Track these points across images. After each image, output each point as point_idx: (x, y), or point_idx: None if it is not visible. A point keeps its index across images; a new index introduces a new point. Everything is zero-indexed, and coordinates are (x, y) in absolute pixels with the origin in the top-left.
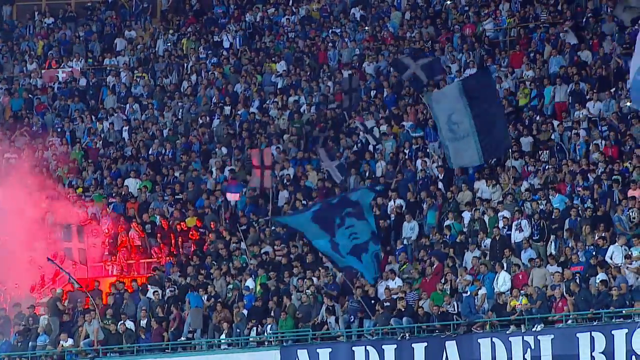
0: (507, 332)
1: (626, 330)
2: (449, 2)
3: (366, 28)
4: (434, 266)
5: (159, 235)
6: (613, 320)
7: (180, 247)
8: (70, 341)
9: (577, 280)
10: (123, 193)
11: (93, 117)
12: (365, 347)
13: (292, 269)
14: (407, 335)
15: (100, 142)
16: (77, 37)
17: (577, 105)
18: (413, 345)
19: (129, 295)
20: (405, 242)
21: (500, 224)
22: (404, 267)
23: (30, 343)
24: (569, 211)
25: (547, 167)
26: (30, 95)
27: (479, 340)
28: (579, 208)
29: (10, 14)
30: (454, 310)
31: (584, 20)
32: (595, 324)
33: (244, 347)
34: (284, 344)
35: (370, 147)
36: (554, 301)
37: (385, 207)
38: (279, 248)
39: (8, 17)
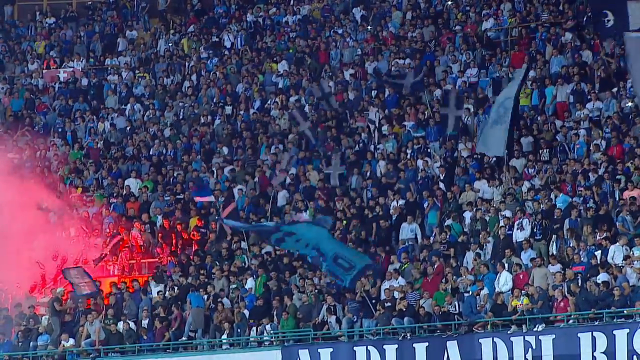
0: (509, 332)
1: (627, 330)
2: (450, 2)
3: (368, 27)
4: (435, 266)
5: (160, 235)
6: (614, 320)
7: (181, 247)
8: (71, 341)
9: (579, 280)
10: (124, 193)
11: (94, 117)
12: (367, 347)
13: (293, 269)
14: (408, 335)
15: (102, 142)
16: (78, 37)
17: (578, 105)
18: (414, 345)
19: (130, 295)
20: (405, 243)
21: (501, 224)
22: (405, 267)
23: (31, 343)
24: (570, 211)
25: (548, 167)
26: (31, 96)
27: (480, 340)
28: (581, 208)
29: (11, 13)
30: (456, 310)
31: (585, 20)
32: (596, 323)
33: (245, 347)
34: (285, 343)
35: (371, 147)
36: (556, 301)
37: (387, 207)
38: (279, 248)
39: (9, 17)
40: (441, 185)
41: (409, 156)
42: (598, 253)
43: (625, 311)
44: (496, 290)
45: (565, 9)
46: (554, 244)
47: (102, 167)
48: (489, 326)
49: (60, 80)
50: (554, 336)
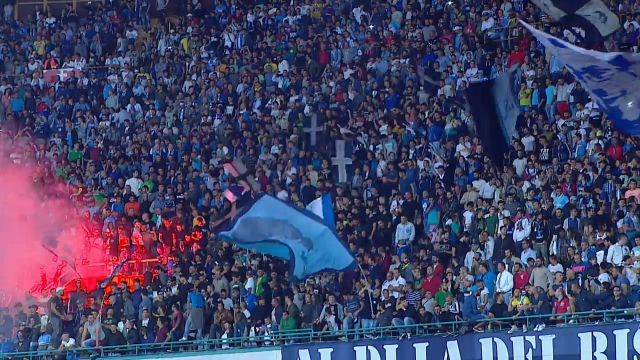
0: (509, 332)
1: (628, 330)
2: (450, 2)
3: (371, 26)
4: (434, 266)
5: (160, 235)
6: (615, 320)
7: (181, 247)
8: (71, 341)
9: (579, 280)
10: (125, 193)
11: (95, 117)
12: (367, 347)
13: None
14: (408, 335)
15: (102, 141)
16: (78, 37)
17: (578, 105)
18: (414, 345)
19: (129, 295)
20: (404, 243)
21: (501, 224)
22: (404, 267)
23: (31, 343)
24: (569, 211)
25: (548, 167)
26: (31, 96)
27: (481, 340)
28: (581, 208)
29: (11, 13)
30: (456, 310)
31: None
32: (596, 323)
33: (245, 347)
34: (286, 343)
35: (371, 147)
36: (556, 301)
37: (387, 207)
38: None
39: (9, 17)
40: (441, 185)
41: (410, 156)
42: (599, 253)
43: (625, 311)
44: (497, 290)
45: None
46: (554, 244)
47: (102, 167)
48: (489, 326)
49: (60, 80)
50: (554, 336)
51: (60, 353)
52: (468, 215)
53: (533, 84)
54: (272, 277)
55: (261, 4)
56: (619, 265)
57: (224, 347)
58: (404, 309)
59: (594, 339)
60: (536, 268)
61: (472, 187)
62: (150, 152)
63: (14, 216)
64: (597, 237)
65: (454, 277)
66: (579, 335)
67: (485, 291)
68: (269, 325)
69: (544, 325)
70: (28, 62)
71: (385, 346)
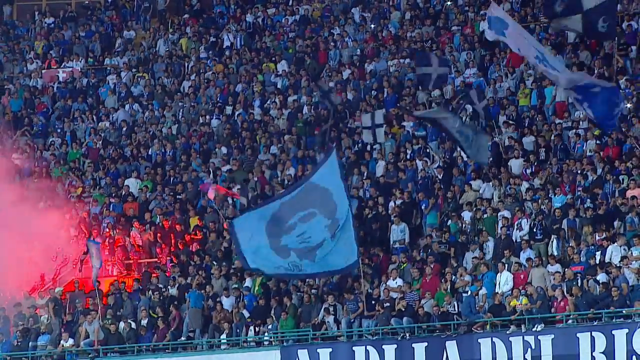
0: (508, 332)
1: (627, 330)
2: (449, 3)
3: (372, 25)
4: (432, 266)
5: (159, 235)
6: (613, 320)
7: (180, 246)
8: (70, 341)
9: (578, 280)
10: (123, 193)
11: (94, 117)
12: (366, 347)
13: None
14: (407, 335)
15: (101, 142)
16: (77, 37)
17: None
18: (413, 345)
19: (128, 295)
20: (397, 244)
21: (500, 224)
22: (403, 267)
23: (30, 343)
24: (569, 211)
25: (546, 167)
26: (30, 96)
27: (480, 340)
28: (579, 208)
29: (10, 13)
30: (455, 310)
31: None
32: (595, 324)
33: (244, 347)
34: (284, 343)
35: (369, 147)
36: (555, 301)
37: (386, 207)
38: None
39: (8, 17)
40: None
41: (408, 156)
42: (597, 253)
43: (624, 311)
44: (496, 290)
45: None
46: (553, 243)
47: (101, 167)
48: (488, 326)
49: (59, 80)
50: (553, 336)
51: (59, 353)
52: (467, 216)
53: (532, 84)
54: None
55: (260, 4)
56: (618, 265)
57: (222, 347)
58: (403, 309)
59: (592, 339)
60: (534, 268)
61: (471, 187)
62: (149, 152)
63: (13, 216)
64: (597, 237)
65: (454, 277)
66: (578, 335)
67: (483, 291)
68: (270, 326)
69: (543, 325)
70: (27, 62)
71: (384, 346)
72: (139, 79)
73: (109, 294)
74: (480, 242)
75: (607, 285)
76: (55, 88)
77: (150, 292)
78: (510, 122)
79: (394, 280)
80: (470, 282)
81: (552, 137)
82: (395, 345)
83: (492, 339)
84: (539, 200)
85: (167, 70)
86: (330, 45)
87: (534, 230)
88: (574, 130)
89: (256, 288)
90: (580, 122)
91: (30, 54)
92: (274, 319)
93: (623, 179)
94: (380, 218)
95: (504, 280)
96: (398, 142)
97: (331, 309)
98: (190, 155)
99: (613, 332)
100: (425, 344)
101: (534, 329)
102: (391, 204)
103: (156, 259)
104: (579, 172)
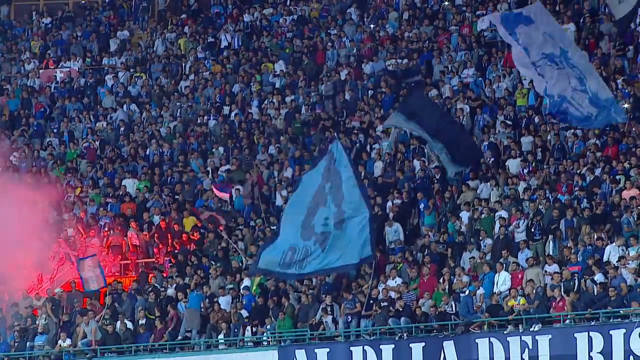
0: (505, 332)
1: (624, 331)
2: (446, 3)
3: (371, 25)
4: (429, 266)
5: (157, 235)
6: (611, 320)
7: (177, 246)
8: (68, 341)
9: (576, 281)
10: (121, 193)
11: (91, 117)
12: (363, 347)
13: None
14: (405, 335)
15: (98, 142)
16: (74, 37)
17: None
18: (411, 345)
19: (126, 295)
20: (393, 245)
21: (497, 225)
22: (400, 267)
23: (28, 343)
24: (567, 211)
25: (544, 167)
26: (28, 96)
27: (477, 340)
28: (577, 208)
29: (7, 13)
30: (452, 311)
31: (582, 20)
32: (593, 324)
33: (241, 347)
34: (282, 344)
35: (368, 147)
36: (554, 301)
37: (384, 207)
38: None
39: (5, 17)
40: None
41: (405, 156)
42: (596, 253)
43: (621, 311)
44: (494, 290)
45: (562, 10)
46: (550, 243)
47: (99, 167)
48: (485, 326)
49: (56, 80)
50: (550, 336)
51: (56, 353)
52: (465, 216)
53: (529, 84)
54: (269, 277)
55: (257, 4)
56: (616, 265)
57: (220, 347)
58: (401, 309)
59: (590, 339)
60: (529, 268)
61: (469, 187)
62: (147, 152)
63: (11, 216)
64: (594, 237)
65: (452, 277)
66: (576, 335)
67: (481, 291)
68: (267, 326)
69: (541, 325)
70: (24, 62)
71: (381, 346)
72: (137, 79)
73: (106, 294)
74: (479, 242)
75: (605, 286)
76: (53, 88)
77: (148, 292)
78: (508, 122)
79: (393, 279)
80: (469, 283)
81: (550, 137)
82: (393, 346)
83: (489, 339)
84: (537, 200)
85: (164, 70)
86: (328, 46)
87: (532, 230)
88: (572, 130)
89: (254, 288)
90: None
91: (27, 54)
92: (272, 319)
93: (620, 179)
94: (377, 218)
95: (502, 281)
96: (395, 142)
97: (329, 309)
98: (187, 155)
99: (610, 332)
100: (423, 344)
101: (531, 329)
102: (389, 204)
103: (153, 259)
104: (576, 172)
